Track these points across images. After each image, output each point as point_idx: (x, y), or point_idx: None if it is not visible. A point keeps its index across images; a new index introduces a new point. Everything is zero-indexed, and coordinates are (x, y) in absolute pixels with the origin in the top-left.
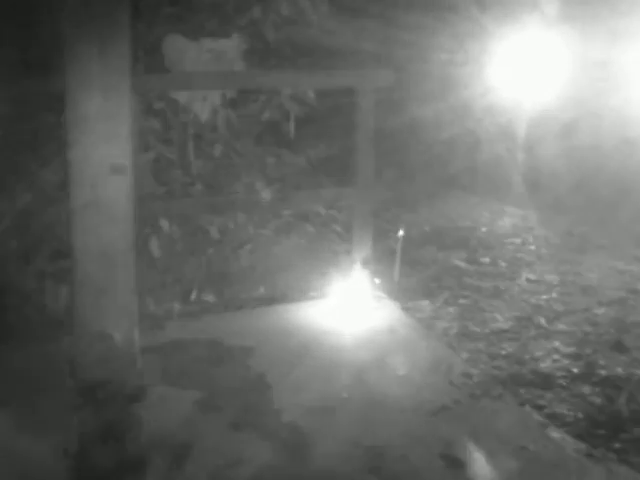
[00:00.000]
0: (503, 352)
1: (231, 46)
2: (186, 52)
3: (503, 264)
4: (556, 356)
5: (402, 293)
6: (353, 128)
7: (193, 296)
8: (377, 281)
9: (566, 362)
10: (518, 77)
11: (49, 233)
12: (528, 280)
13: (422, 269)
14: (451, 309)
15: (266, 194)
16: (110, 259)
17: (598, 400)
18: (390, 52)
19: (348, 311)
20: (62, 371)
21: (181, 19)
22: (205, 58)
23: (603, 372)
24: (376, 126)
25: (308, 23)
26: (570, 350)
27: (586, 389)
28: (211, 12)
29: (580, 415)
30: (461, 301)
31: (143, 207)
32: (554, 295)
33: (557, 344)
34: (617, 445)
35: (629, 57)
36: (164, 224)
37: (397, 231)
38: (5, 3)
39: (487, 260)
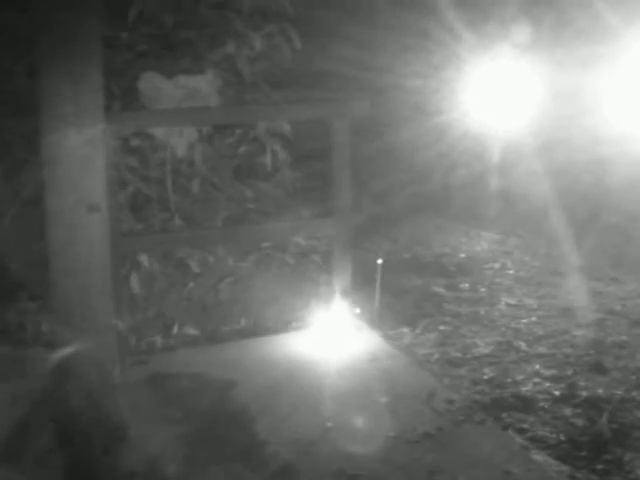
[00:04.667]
0: (484, 377)
1: (206, 82)
2: (162, 89)
3: (482, 289)
4: (537, 379)
5: (382, 321)
6: (330, 158)
7: (175, 330)
8: (357, 310)
9: (547, 385)
10: (492, 103)
11: (30, 272)
12: (507, 304)
13: (402, 297)
14: (431, 336)
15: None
16: (89, 297)
17: (580, 422)
18: (367, 78)
19: (329, 341)
20: (42, 410)
21: (156, 56)
22: (180, 94)
23: (584, 393)
24: (352, 153)
25: (282, 58)
26: (551, 373)
27: (567, 411)
28: (185, 49)
29: (562, 437)
30: (441, 327)
31: (122, 243)
32: (533, 318)
33: (538, 367)
34: (599, 466)
35: (598, 81)
36: (144, 259)
37: (376, 260)
38: None
39: (466, 286)
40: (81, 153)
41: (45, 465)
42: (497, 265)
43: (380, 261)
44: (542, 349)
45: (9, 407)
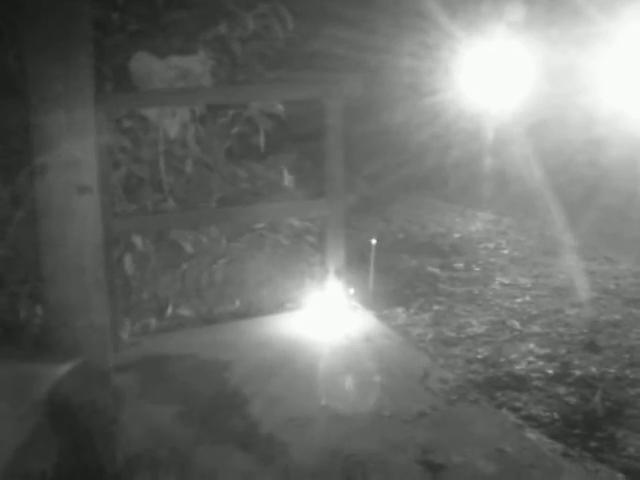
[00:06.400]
0: (478, 356)
1: (198, 62)
2: (153, 69)
3: (476, 269)
4: (531, 358)
5: (377, 301)
6: (322, 139)
7: (169, 311)
8: (351, 290)
9: (541, 363)
10: (486, 83)
11: (20, 255)
12: (502, 284)
13: (396, 277)
14: (426, 315)
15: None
16: (81, 279)
17: (573, 400)
18: (361, 58)
19: (324, 321)
20: (37, 393)
21: (147, 36)
22: (172, 75)
23: (577, 372)
24: (346, 133)
25: (275, 38)
26: (544, 352)
27: (561, 389)
28: (177, 29)
29: (556, 415)
30: (436, 307)
31: (115, 225)
32: (527, 298)
33: (531, 346)
34: (593, 444)
35: (594, 60)
36: (137, 241)
37: (370, 240)
38: None
39: (461, 265)
40: (71, 135)
41: (42, 448)
42: (491, 245)
43: (374, 241)
44: (536, 328)
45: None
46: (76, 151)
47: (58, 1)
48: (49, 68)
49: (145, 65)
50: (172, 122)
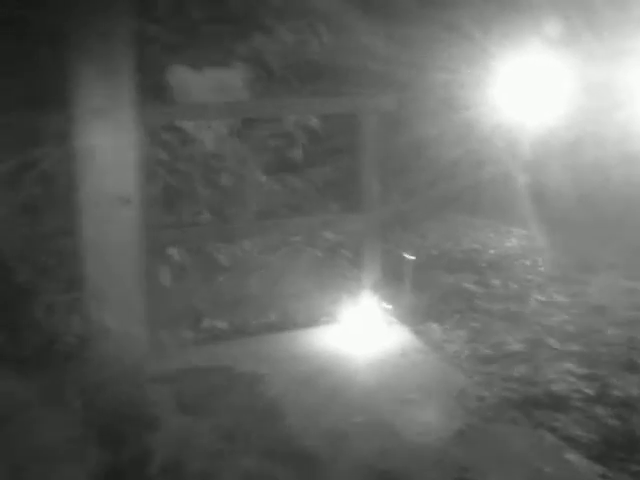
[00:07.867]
0: (516, 374)
1: (235, 75)
2: (191, 82)
3: (513, 286)
4: (569, 377)
5: (412, 317)
6: (357, 153)
7: (204, 324)
8: (387, 305)
9: (580, 383)
10: (522, 98)
11: (59, 264)
12: (539, 301)
13: (432, 293)
14: (462, 332)
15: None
16: (120, 289)
17: (613, 421)
18: (394, 72)
19: (359, 336)
20: (75, 403)
21: (185, 49)
22: (209, 88)
23: (617, 393)
24: (381, 148)
25: (311, 52)
26: (583, 371)
27: (600, 410)
28: (214, 42)
29: (595, 437)
30: (472, 324)
31: (153, 237)
32: (565, 316)
33: (570, 365)
34: (633, 467)
35: (633, 76)
36: (174, 253)
37: (405, 255)
38: (10, 37)
39: (497, 282)
40: (112, 146)
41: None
42: (528, 262)
43: (410, 257)
44: (574, 347)
45: (42, 401)
46: (116, 162)
47: (104, 17)
48: (91, 80)
49: (183, 78)
50: (209, 135)
